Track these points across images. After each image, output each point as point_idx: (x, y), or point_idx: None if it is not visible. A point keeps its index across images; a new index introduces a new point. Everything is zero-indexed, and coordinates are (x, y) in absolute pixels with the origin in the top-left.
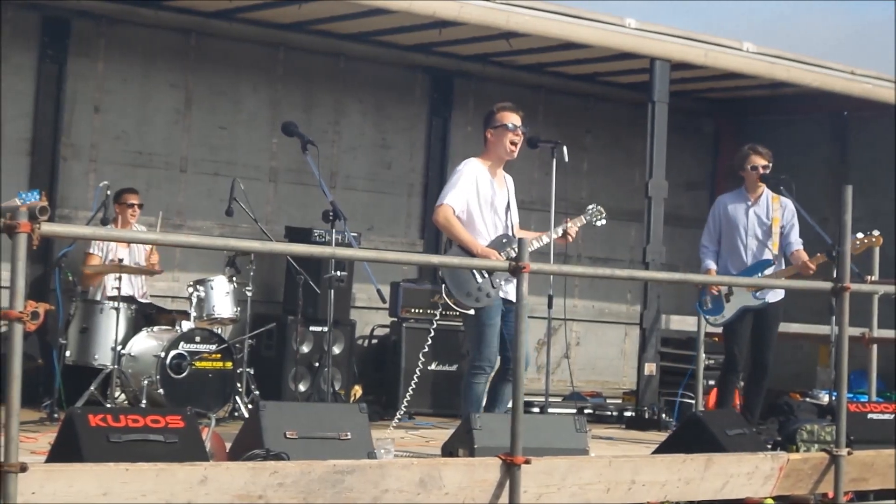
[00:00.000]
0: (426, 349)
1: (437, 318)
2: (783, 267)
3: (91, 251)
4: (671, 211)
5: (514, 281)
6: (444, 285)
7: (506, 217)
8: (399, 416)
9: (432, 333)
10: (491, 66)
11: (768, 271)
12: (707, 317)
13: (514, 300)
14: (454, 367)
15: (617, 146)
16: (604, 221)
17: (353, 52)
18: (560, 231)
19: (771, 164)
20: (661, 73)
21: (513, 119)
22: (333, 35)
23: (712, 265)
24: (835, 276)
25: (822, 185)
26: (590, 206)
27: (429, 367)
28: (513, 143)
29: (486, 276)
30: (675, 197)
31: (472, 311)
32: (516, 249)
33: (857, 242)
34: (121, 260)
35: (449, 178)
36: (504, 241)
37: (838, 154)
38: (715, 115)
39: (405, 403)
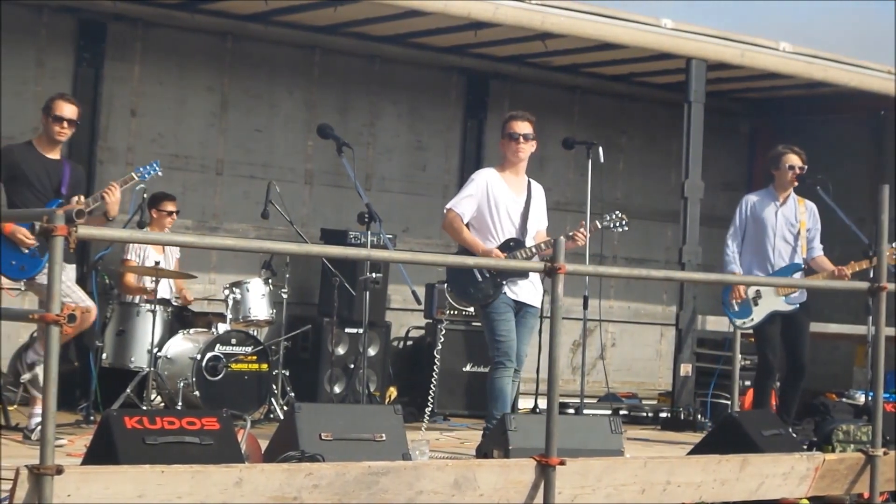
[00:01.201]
0: (439, 346)
1: (459, 317)
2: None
3: (127, 257)
4: (707, 211)
5: (528, 283)
6: (446, 284)
7: (521, 223)
8: (427, 417)
9: (443, 332)
10: (526, 68)
11: (797, 275)
12: (735, 319)
13: (527, 302)
14: (488, 369)
15: (653, 147)
16: (625, 228)
17: (389, 54)
18: (568, 235)
19: (806, 166)
20: (697, 74)
21: (518, 128)
22: (369, 37)
23: (738, 270)
24: (871, 276)
25: (858, 185)
26: (610, 214)
27: (463, 369)
28: (516, 151)
29: (488, 275)
30: (712, 197)
31: (471, 309)
32: (524, 254)
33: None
34: (157, 263)
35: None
36: (511, 244)
37: (875, 154)
38: (752, 115)
39: (430, 402)
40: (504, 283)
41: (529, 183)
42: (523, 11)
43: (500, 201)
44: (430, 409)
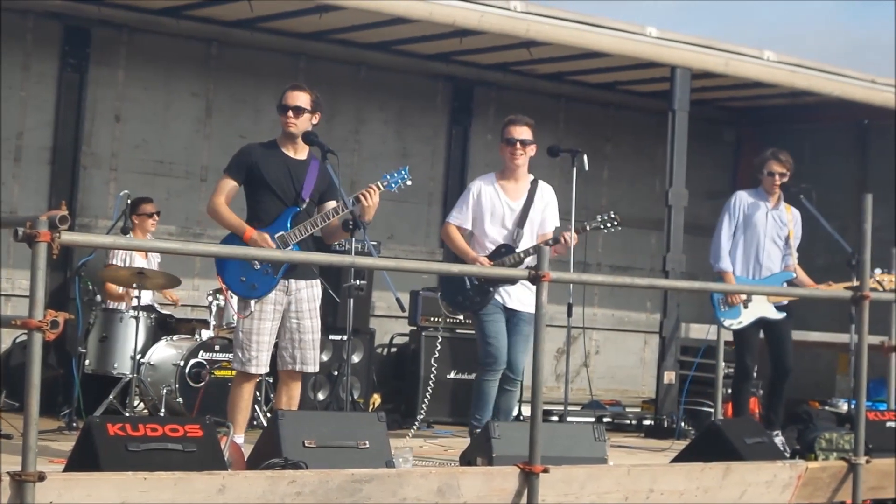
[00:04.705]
0: (437, 354)
1: (443, 325)
2: None
3: (112, 262)
4: (691, 220)
5: (521, 289)
6: (439, 293)
7: (514, 228)
8: (416, 426)
9: (440, 340)
10: (511, 75)
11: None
12: (723, 318)
13: (517, 309)
14: (472, 376)
15: (637, 155)
16: (617, 229)
17: (374, 60)
18: (551, 241)
19: (789, 174)
20: (681, 82)
21: (516, 133)
22: (354, 44)
23: (730, 268)
24: (855, 284)
25: (842, 194)
26: (601, 214)
27: (447, 376)
28: (512, 155)
29: (476, 283)
30: (696, 206)
31: (460, 316)
32: (512, 259)
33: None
34: (140, 272)
35: None
36: (503, 251)
37: (859, 162)
38: (736, 123)
39: (422, 412)
40: (493, 290)
41: (534, 185)
42: (508, 19)
43: (492, 210)
44: (420, 417)
